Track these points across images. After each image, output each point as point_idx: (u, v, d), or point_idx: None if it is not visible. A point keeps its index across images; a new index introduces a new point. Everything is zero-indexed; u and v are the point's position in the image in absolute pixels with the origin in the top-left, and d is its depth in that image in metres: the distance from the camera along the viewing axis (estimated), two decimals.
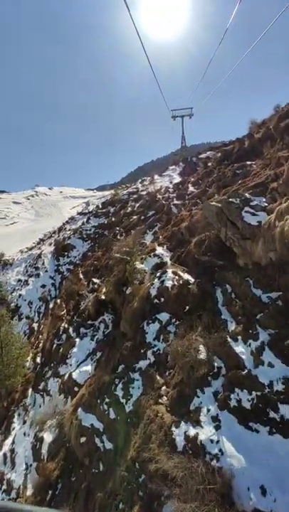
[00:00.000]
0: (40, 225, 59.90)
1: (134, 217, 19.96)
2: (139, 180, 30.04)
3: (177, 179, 23.08)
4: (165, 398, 6.90)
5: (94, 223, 26.68)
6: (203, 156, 23.72)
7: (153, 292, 10.09)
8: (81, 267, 21.69)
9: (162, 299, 9.80)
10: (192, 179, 18.22)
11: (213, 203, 9.09)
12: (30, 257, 30.99)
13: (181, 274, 10.13)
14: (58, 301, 19.10)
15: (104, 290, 14.34)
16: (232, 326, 7.21)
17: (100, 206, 30.52)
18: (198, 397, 6.26)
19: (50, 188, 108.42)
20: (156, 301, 9.91)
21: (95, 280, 16.58)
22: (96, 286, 16.06)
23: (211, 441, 5.46)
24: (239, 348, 6.53)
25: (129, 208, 22.59)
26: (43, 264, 26.94)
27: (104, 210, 27.55)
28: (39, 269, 26.50)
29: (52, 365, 13.46)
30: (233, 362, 6.43)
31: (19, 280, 27.16)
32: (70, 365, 12.11)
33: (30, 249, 38.37)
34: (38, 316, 21.14)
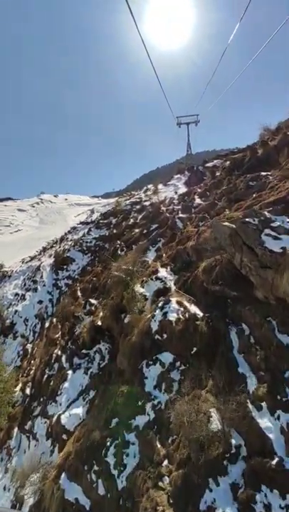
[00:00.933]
0: (44, 233, 59.20)
1: (137, 230, 18.61)
2: (143, 190, 28.83)
3: (182, 189, 21.74)
4: (167, 480, 5.34)
5: (95, 235, 25.42)
6: (209, 164, 22.40)
7: (154, 326, 8.59)
8: (80, 282, 20.35)
9: (165, 336, 8.30)
10: (199, 190, 16.83)
11: (226, 224, 7.63)
12: (29, 269, 29.81)
13: (187, 305, 8.63)
14: (54, 320, 17.74)
15: (101, 314, 12.91)
16: (253, 385, 5.65)
17: (102, 216, 29.35)
18: (210, 490, 4.69)
19: (55, 196, 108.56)
20: (157, 337, 8.41)
21: (92, 301, 15.15)
22: (93, 308, 14.63)
23: None
24: (264, 422, 4.96)
25: (132, 220, 21.28)
26: (42, 277, 25.71)
27: (105, 221, 26.31)
28: (37, 283, 25.26)
29: (41, 399, 11.97)
30: (257, 441, 4.87)
31: (16, 294, 25.92)
32: (60, 404, 10.60)
33: (33, 258, 37.33)
34: (33, 336, 19.77)
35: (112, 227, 24.30)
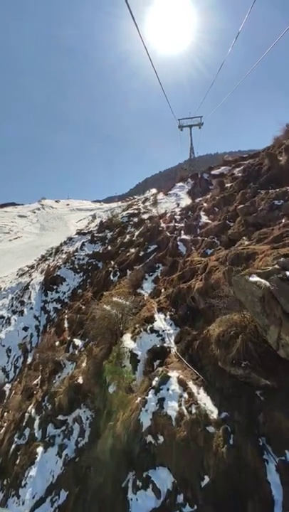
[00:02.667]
0: (45, 240, 56.97)
1: (132, 250, 15.98)
2: (142, 199, 26.23)
3: (185, 200, 19.09)
4: None
5: (88, 251, 22.88)
6: (216, 172, 19.72)
7: (145, 421, 5.87)
8: (69, 308, 17.79)
9: (161, 439, 5.58)
10: (205, 204, 14.13)
11: (255, 279, 4.90)
12: (19, 286, 27.39)
13: (194, 388, 5.89)
14: (37, 356, 15.21)
15: (84, 364, 10.25)
16: None
17: (98, 228, 26.82)
18: None
19: (56, 201, 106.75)
20: (150, 439, 5.69)
21: (77, 342, 12.52)
22: (77, 352, 11.98)
23: None
24: None
25: (128, 236, 18.67)
26: (30, 298, 23.22)
27: (100, 235, 23.75)
28: (24, 305, 22.76)
29: (5, 482, 9.31)
30: None
31: (2, 317, 23.40)
32: (23, 502, 7.92)
33: (30, 267, 35.21)
34: (14, 372, 17.22)
35: (106, 242, 21.73)
